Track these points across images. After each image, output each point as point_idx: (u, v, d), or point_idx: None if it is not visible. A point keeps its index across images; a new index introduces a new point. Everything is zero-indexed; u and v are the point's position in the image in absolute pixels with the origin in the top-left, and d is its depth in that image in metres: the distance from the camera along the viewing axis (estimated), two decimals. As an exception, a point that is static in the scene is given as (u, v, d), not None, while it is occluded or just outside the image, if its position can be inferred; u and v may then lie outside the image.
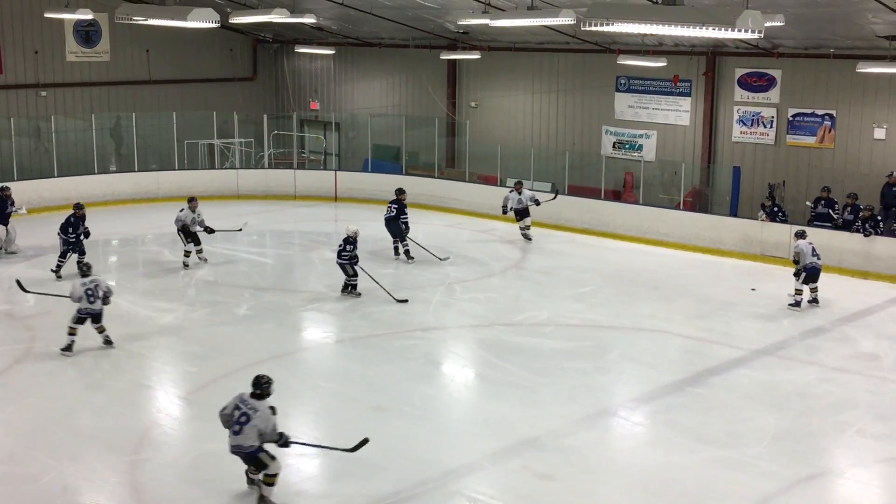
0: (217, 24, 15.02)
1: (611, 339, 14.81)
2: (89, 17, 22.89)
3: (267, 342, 14.23)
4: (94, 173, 24.71)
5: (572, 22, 15.49)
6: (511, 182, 22.47)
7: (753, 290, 17.32)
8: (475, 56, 25.37)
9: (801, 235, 16.43)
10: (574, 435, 11.17)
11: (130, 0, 25.92)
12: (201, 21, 14.68)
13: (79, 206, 17.67)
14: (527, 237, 21.24)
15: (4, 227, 18.67)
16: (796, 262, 16.24)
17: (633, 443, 11.25)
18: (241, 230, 19.82)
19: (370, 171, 26.74)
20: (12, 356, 13.36)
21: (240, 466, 9.90)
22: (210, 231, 18.66)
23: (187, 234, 18.36)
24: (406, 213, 19.48)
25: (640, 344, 14.62)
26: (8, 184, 19.68)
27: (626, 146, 24.54)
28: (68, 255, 17.39)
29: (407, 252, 19.26)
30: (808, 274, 16.19)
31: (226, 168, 27.04)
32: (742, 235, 19.92)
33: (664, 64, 22.05)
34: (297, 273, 18.91)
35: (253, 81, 31.59)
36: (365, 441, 9.71)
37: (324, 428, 11.33)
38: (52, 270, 17.36)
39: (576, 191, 23.10)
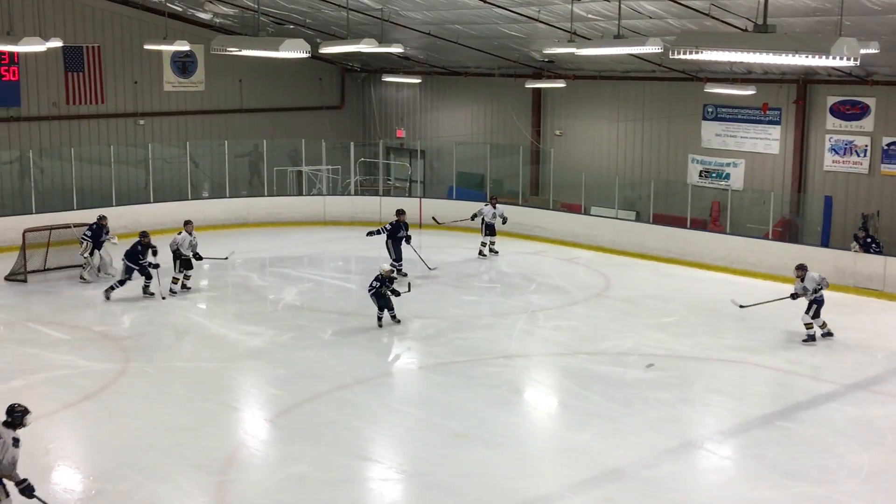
0: (308, 55, 15.28)
1: (695, 369, 14.56)
2: (186, 48, 23.54)
3: (351, 367, 14.36)
4: (188, 199, 25.36)
5: (659, 50, 15.38)
6: (572, 205, 22.36)
7: (742, 307, 16.84)
8: (560, 84, 25.35)
9: (805, 268, 16.01)
10: (657, 467, 10.99)
11: (225, 32, 26.66)
12: (293, 51, 14.95)
13: (143, 235, 18.21)
14: (493, 251, 22.34)
15: (98, 253, 19.26)
16: (800, 295, 15.90)
17: (719, 476, 11.02)
18: (227, 258, 20.14)
19: (455, 198, 26.86)
20: (107, 377, 13.72)
21: (326, 490, 10.01)
22: (199, 258, 18.83)
23: (179, 258, 18.50)
24: (402, 233, 19.89)
25: (725, 375, 14.34)
26: (107, 208, 20.31)
27: (713, 175, 24.20)
28: (127, 282, 17.93)
29: (399, 270, 19.65)
30: (819, 306, 15.83)
31: (313, 194, 27.45)
32: (834, 267, 19.41)
33: (753, 92, 21.72)
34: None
35: (341, 110, 32.08)
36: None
37: (405, 453, 11.37)
38: (105, 291, 17.92)
39: (661, 219, 22.85)
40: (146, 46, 23.88)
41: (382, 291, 16.18)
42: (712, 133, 24.23)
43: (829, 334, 15.82)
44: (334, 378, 13.78)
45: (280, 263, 21.36)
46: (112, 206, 23.55)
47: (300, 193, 27.67)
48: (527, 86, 26.08)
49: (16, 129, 24.85)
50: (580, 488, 10.38)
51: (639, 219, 23.84)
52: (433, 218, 22.56)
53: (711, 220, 23.66)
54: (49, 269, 19.54)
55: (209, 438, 11.60)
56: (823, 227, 21.77)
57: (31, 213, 22.32)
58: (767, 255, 20.53)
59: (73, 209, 22.92)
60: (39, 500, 9.14)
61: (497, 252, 22.35)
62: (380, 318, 16.31)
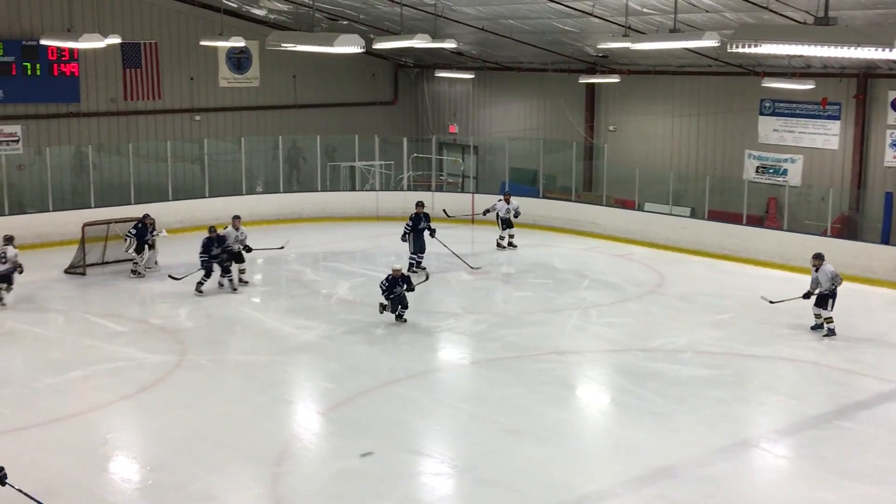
0: (362, 50, 15.35)
1: (751, 367, 14.38)
2: (241, 44, 23.83)
3: (403, 362, 14.41)
4: (242, 194, 25.62)
5: (716, 44, 15.20)
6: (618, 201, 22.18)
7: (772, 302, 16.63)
8: (614, 80, 25.18)
9: (823, 258, 15.79)
10: (712, 465, 10.87)
11: (280, 28, 26.88)
12: (347, 47, 15.01)
13: (211, 230, 18.46)
14: (511, 245, 22.49)
15: (147, 249, 19.53)
16: (810, 294, 15.71)
17: (775, 476, 10.87)
18: (282, 248, 20.40)
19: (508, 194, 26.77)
20: (164, 369, 13.93)
21: (378, 483, 10.07)
22: (249, 250, 18.96)
23: (230, 253, 18.60)
24: (422, 224, 19.97)
25: (781, 374, 14.15)
26: (163, 203, 20.59)
27: (770, 170, 23.86)
28: (209, 273, 18.21)
29: (418, 264, 19.85)
30: (819, 299, 15.69)
31: (366, 190, 27.58)
32: (895, 264, 19.06)
33: (812, 87, 21.38)
34: (432, 294, 19.07)
35: (394, 105, 32.18)
36: None
37: (458, 448, 11.39)
38: (196, 289, 18.13)
39: (716, 215, 22.59)
40: (202, 43, 24.18)
41: (397, 292, 16.02)
42: (769, 128, 23.89)
43: (831, 332, 15.69)
44: (386, 372, 13.85)
45: (333, 258, 21.50)
46: (168, 200, 23.87)
47: (353, 189, 27.81)
48: (580, 81, 25.94)
49: (75, 125, 25.29)
50: (633, 486, 10.31)
51: (694, 215, 23.58)
52: (444, 211, 22.60)
53: (768, 216, 23.34)
54: (107, 263, 19.87)
55: (263, 431, 11.72)
56: (884, 224, 21.38)
57: (90, 208, 22.73)
58: (826, 251, 20.09)
59: (131, 203, 23.30)
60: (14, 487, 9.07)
61: (516, 246, 22.47)
62: (383, 307, 16.28)
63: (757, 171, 24.10)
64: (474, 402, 12.94)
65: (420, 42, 19.12)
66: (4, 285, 17.17)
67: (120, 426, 12.12)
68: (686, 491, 10.19)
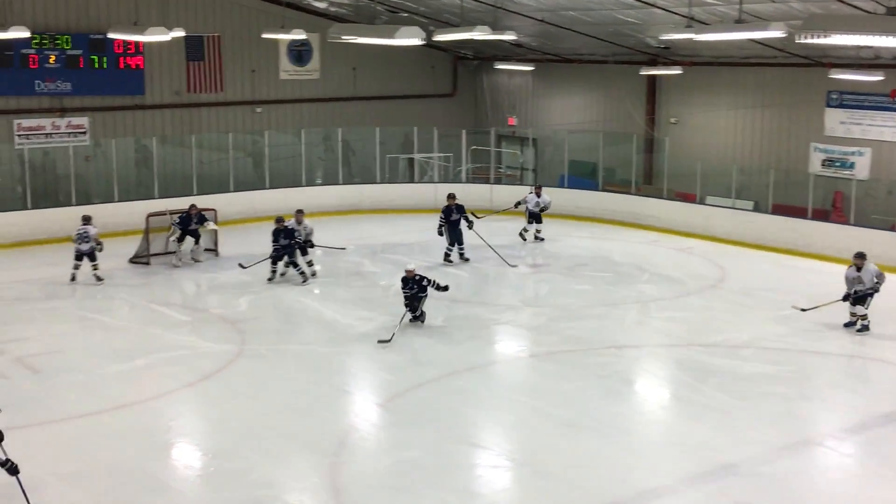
0: (422, 42, 15.37)
1: (815, 364, 14.14)
2: (303, 37, 23.94)
3: (461, 354, 14.42)
4: (302, 186, 25.84)
5: (782, 35, 14.94)
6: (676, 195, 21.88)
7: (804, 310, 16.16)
8: (676, 71, 24.89)
9: (865, 257, 15.35)
10: (775, 463, 10.71)
11: (340, 20, 27.01)
12: (408, 39, 15.05)
13: (278, 220, 18.70)
14: (538, 238, 22.43)
15: (194, 239, 19.83)
16: (848, 297, 15.32)
17: (840, 475, 10.68)
18: (344, 248, 20.70)
19: (566, 186, 26.67)
20: (226, 358, 14.11)
21: (435, 475, 10.10)
22: (311, 245, 19.11)
23: (297, 245, 18.71)
24: (454, 216, 20.05)
25: (847, 371, 13.90)
26: (224, 194, 20.82)
27: (837, 164, 23.39)
28: (277, 262, 18.47)
29: (461, 255, 20.14)
30: (858, 297, 15.27)
31: (424, 182, 27.63)
32: (964, 260, 18.60)
33: (881, 78, 20.91)
34: (491, 287, 19.08)
35: (452, 97, 32.16)
36: None
37: (516, 441, 11.37)
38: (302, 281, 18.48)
39: (780, 209, 22.23)
40: (264, 35, 24.37)
41: (415, 293, 15.45)
42: (836, 121, 23.41)
43: (865, 328, 15.34)
44: (444, 364, 13.87)
45: (392, 250, 21.57)
46: (229, 191, 24.15)
47: (412, 181, 27.88)
48: (641, 73, 25.68)
49: (140, 117, 25.69)
50: (693, 482, 10.20)
51: (757, 209, 23.23)
52: (472, 213, 22.26)
53: (834, 210, 22.90)
54: (170, 253, 20.17)
55: (322, 421, 11.81)
56: (955, 219, 20.87)
57: (154, 199, 23.09)
58: (893, 247, 19.76)
59: (193, 194, 23.63)
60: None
61: (542, 238, 22.41)
62: (413, 315, 15.56)
63: (823, 165, 23.64)
64: (532, 395, 12.90)
65: (480, 34, 19.07)
66: (94, 263, 18.26)
67: (183, 413, 12.32)
68: (748, 488, 10.05)
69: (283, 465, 10.54)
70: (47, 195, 23.65)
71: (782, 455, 10.92)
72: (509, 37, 21.74)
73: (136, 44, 24.65)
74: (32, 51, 23.47)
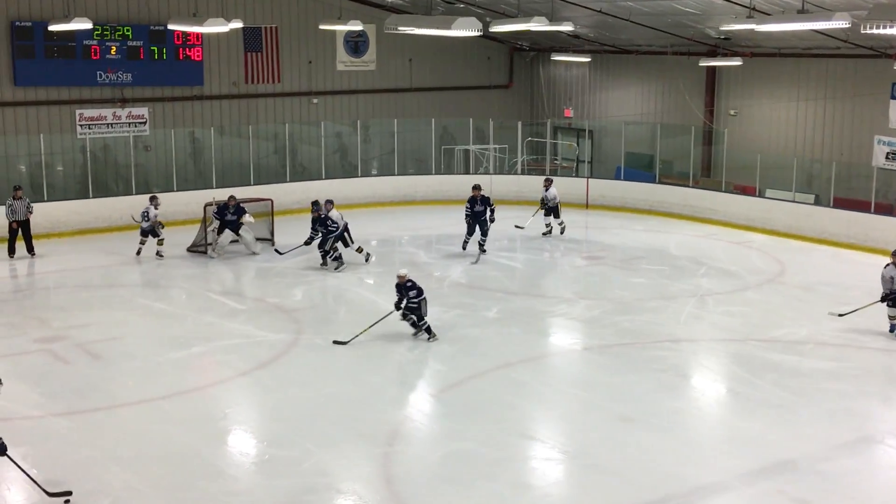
0: (479, 33, 15.34)
1: (877, 361, 13.88)
2: (359, 28, 24.07)
3: (514, 346, 14.41)
4: (358, 176, 25.97)
5: (846, 25, 14.64)
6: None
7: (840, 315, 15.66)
8: (736, 62, 24.54)
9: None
10: (833, 460, 10.54)
11: (396, 11, 27.07)
12: (464, 30, 15.03)
13: (314, 209, 19.12)
14: (546, 234, 22.01)
15: (234, 233, 19.88)
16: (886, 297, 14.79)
17: (900, 474, 10.49)
18: (366, 261, 19.76)
19: (622, 179, 26.48)
20: (280, 347, 14.25)
21: (488, 467, 10.12)
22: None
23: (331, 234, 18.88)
24: (478, 207, 19.95)
25: (910, 369, 13.61)
26: (281, 185, 20.99)
27: (901, 157, 22.91)
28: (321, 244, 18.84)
29: (480, 246, 19.93)
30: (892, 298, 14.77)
31: (480, 173, 27.61)
32: None
33: (948, 69, 20.44)
34: (546, 279, 19.02)
35: (508, 89, 32.08)
36: (68, 494, 9.41)
37: (569, 434, 11.33)
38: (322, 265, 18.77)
39: (842, 203, 21.83)
40: (321, 26, 24.54)
41: (403, 300, 14.44)
42: (901, 113, 22.92)
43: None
44: (498, 356, 13.86)
45: (446, 241, 21.60)
46: (285, 182, 24.40)
47: (467, 172, 27.88)
48: (700, 64, 25.36)
49: (198, 107, 26.01)
50: (750, 479, 10.07)
51: (818, 202, 22.84)
52: (516, 227, 22.16)
53: (898, 204, 22.46)
54: (232, 241, 20.36)
55: (375, 410, 11.88)
56: None
57: (212, 188, 23.38)
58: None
59: (250, 184, 23.92)
60: (12, 461, 9.52)
61: (549, 233, 22.04)
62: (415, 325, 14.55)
63: (887, 158, 23.14)
64: (586, 388, 12.85)
65: (537, 25, 18.99)
66: (158, 238, 19.41)
67: (238, 401, 12.47)
68: (806, 486, 9.90)
69: (336, 453, 10.62)
70: (108, 184, 24.07)
71: (842, 452, 10.74)
72: (567, 28, 21.60)
73: (196, 35, 24.96)
74: (94, 42, 23.87)
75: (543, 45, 31.10)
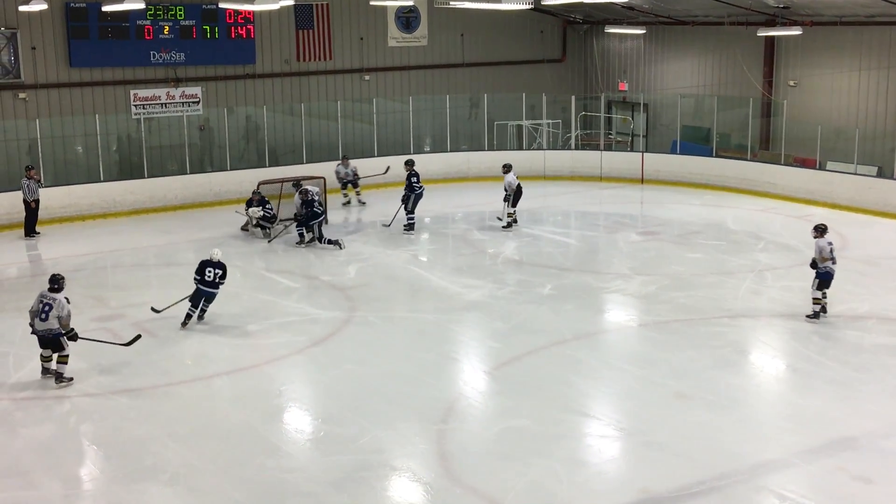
0: (530, 7, 15.25)
1: (943, 337, 13.61)
2: (410, 3, 24.04)
3: (569, 322, 14.37)
4: (410, 153, 25.99)
5: (910, -9, 14.27)
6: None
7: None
8: (796, 32, 24.07)
9: (823, 231, 14.18)
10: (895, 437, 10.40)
11: (448, -15, 26.96)
12: (516, 3, 14.98)
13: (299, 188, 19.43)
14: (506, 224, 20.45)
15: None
16: (814, 266, 14.10)
17: (966, 452, 10.29)
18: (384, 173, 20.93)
19: (678, 153, 26.17)
20: (334, 324, 14.37)
21: (543, 443, 10.13)
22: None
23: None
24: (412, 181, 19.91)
25: (977, 344, 13.31)
26: (334, 163, 21.00)
27: (968, 127, 22.34)
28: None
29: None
30: (822, 279, 14.10)
31: (533, 149, 27.48)
32: None
33: None
34: (600, 255, 18.91)
35: (562, 63, 31.82)
36: (138, 337, 12.63)
37: (625, 411, 11.28)
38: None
39: (906, 175, 21.39)
40: (372, 2, 24.51)
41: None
42: (968, 81, 22.34)
43: (822, 312, 14.20)
44: (552, 333, 13.84)
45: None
46: (338, 159, 24.48)
47: (520, 148, 27.76)
48: (759, 34, 24.91)
49: (251, 86, 26.18)
50: (810, 456, 9.96)
51: (881, 174, 22.38)
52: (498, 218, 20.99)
53: (964, 176, 21.92)
54: (282, 220, 20.57)
55: (430, 387, 11.94)
56: None
57: (265, 167, 23.59)
58: None
59: (303, 163, 24.06)
60: (88, 339, 12.37)
61: (507, 226, 20.26)
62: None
63: (952, 128, 22.62)
64: (642, 364, 12.77)
65: (590, -3, 18.82)
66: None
67: (294, 378, 12.61)
68: (868, 463, 9.77)
69: (391, 430, 10.70)
70: (163, 164, 24.38)
71: (905, 430, 10.59)
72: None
73: (247, 13, 25.09)
74: (147, 22, 24.12)
75: (597, 18, 30.79)
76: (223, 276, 14.39)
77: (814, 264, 14.18)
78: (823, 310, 14.21)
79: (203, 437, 10.59)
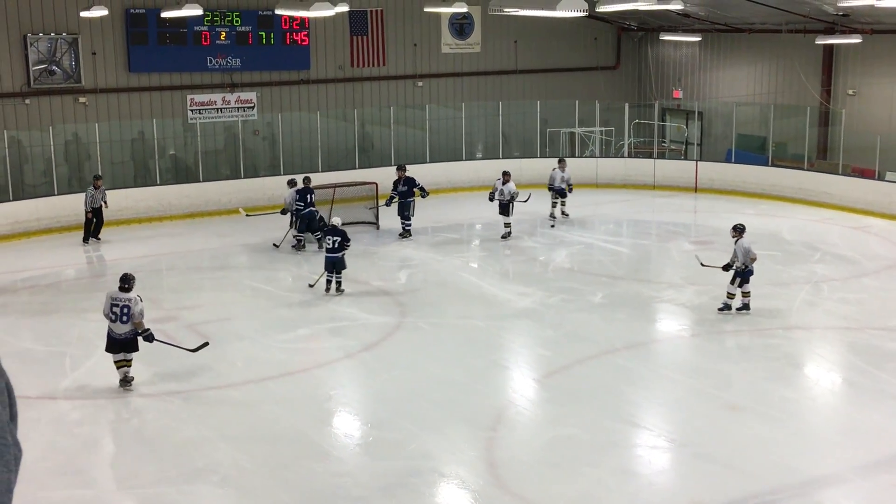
0: (585, 14, 15.17)
1: None
2: (464, 10, 24.06)
3: (620, 331, 14.25)
4: (462, 160, 26.02)
5: (974, -2, 13.98)
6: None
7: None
8: (856, 40, 23.68)
9: (741, 231, 14.56)
10: (957, 456, 10.16)
11: (501, -7, 26.93)
12: (570, 10, 14.90)
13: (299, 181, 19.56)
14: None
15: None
16: (729, 266, 14.55)
17: None
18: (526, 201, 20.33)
19: (733, 161, 25.87)
20: (385, 329, 14.41)
21: (593, 453, 10.05)
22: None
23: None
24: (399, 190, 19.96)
25: None
26: (386, 168, 21.09)
27: None
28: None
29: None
30: (743, 276, 14.39)
31: (586, 156, 27.36)
32: None
33: None
34: (653, 263, 18.76)
35: (615, 70, 31.65)
36: (206, 344, 12.38)
37: (676, 422, 11.17)
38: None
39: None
40: (426, 9, 24.61)
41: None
42: None
43: (745, 307, 14.65)
44: (603, 341, 13.74)
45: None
46: (391, 165, 24.55)
47: (573, 155, 27.63)
48: (817, 42, 24.56)
49: (305, 92, 26.42)
50: (867, 472, 9.77)
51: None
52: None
53: None
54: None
55: (479, 395, 11.92)
56: None
57: (318, 172, 23.76)
58: None
59: (355, 168, 24.19)
60: (162, 342, 12.13)
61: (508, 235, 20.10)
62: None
63: None
64: (694, 375, 12.63)
65: (645, 4, 18.71)
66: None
67: (343, 383, 12.67)
68: (926, 481, 9.57)
69: (439, 437, 10.69)
70: (217, 168, 24.67)
71: (965, 448, 10.34)
72: (676, 6, 21.19)
73: (302, 19, 25.30)
74: (205, 28, 24.45)
75: (652, 25, 30.57)
76: (344, 241, 15.84)
77: (727, 268, 14.69)
78: (746, 307, 14.68)
79: (253, 440, 10.66)
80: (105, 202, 20.18)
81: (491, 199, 20.39)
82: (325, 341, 14.02)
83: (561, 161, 21.88)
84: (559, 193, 21.55)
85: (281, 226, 20.59)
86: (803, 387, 12.52)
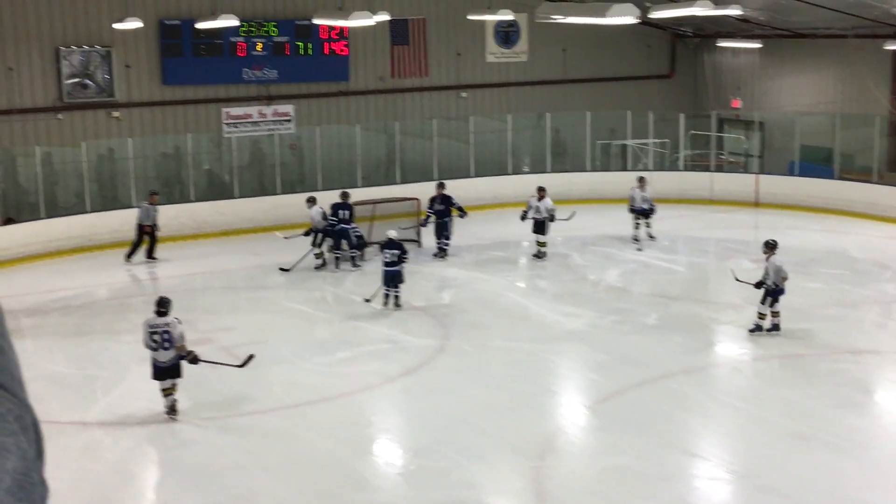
0: (637, 21, 15.16)
1: None
2: (510, 17, 24.12)
3: (676, 355, 14.15)
4: (508, 174, 26.01)
5: None
6: None
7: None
8: (928, 45, 23.41)
9: (773, 248, 14.42)
10: None
11: (549, -1, 26.99)
12: (621, 17, 14.86)
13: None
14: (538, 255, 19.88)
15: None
16: (761, 284, 14.33)
17: None
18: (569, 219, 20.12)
19: (797, 174, 25.62)
20: (427, 352, 14.43)
21: (648, 484, 9.97)
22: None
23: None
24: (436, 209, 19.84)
25: None
26: (428, 183, 21.22)
27: None
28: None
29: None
30: (773, 296, 14.18)
31: (639, 170, 27.22)
32: None
33: None
34: (711, 283, 18.62)
35: (670, 79, 31.52)
36: (252, 357, 12.32)
37: (736, 452, 11.06)
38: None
39: None
40: (469, 17, 24.70)
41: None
42: None
43: (776, 328, 14.47)
44: (658, 366, 13.64)
45: (602, 242, 21.40)
46: (432, 180, 24.64)
47: (625, 168, 27.54)
48: (886, 48, 24.28)
49: (344, 103, 26.61)
50: (942, 507, 9.61)
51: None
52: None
53: None
54: (374, 243, 20.74)
55: (526, 421, 11.88)
56: None
57: (357, 187, 23.87)
58: None
59: (396, 183, 24.30)
60: (207, 361, 12.13)
61: (543, 255, 19.85)
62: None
63: None
64: (755, 402, 12.50)
65: (701, 9, 18.55)
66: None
67: (384, 409, 12.71)
68: None
69: (485, 466, 10.67)
70: (253, 184, 24.90)
71: None
72: (735, 11, 21.10)
73: (341, 29, 25.50)
74: (241, 39, 24.72)
75: (709, 31, 30.42)
76: (403, 255, 16.22)
77: (759, 285, 14.53)
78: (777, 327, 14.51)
79: (291, 468, 10.72)
80: (156, 223, 20.12)
81: (523, 219, 20.07)
82: (364, 365, 14.06)
83: (641, 179, 21.64)
84: (642, 214, 21.24)
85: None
86: (874, 414, 12.34)
